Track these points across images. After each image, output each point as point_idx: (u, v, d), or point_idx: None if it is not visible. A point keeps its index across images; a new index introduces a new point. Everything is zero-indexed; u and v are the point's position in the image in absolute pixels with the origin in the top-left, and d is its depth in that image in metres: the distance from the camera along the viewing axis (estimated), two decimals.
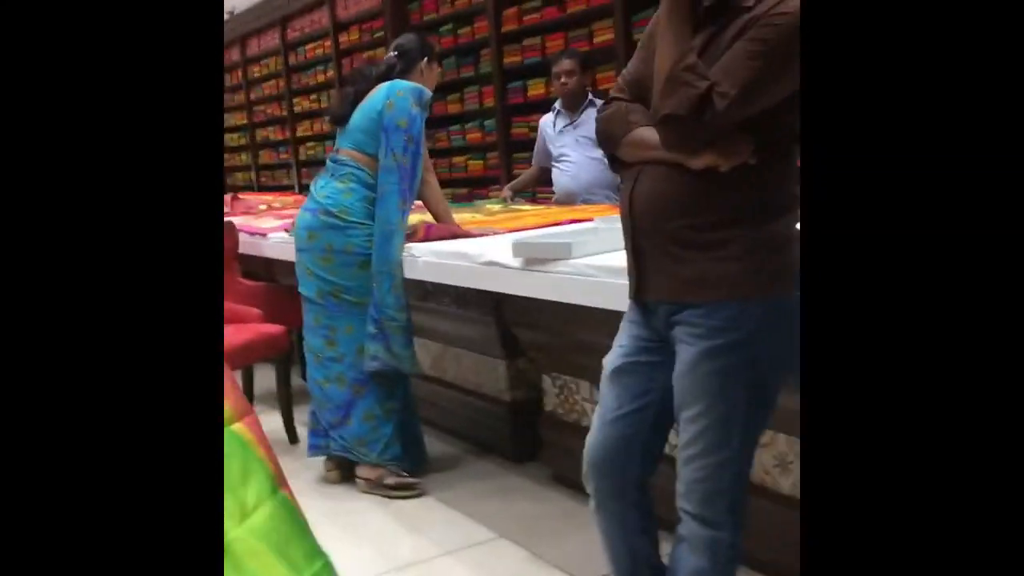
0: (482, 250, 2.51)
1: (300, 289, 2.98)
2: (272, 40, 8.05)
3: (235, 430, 1.26)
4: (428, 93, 2.93)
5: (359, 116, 2.89)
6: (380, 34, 6.17)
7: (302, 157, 7.98)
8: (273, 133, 8.45)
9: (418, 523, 2.67)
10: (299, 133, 7.95)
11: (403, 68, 2.97)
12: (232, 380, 1.57)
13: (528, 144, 4.63)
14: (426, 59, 3.00)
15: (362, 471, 2.93)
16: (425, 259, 2.73)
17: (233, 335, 3.26)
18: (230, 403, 1.46)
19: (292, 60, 7.75)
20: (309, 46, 7.41)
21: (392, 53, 3.03)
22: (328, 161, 3.00)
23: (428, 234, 2.91)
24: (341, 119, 2.98)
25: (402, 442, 2.94)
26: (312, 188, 3.02)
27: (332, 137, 3.14)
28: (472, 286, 2.61)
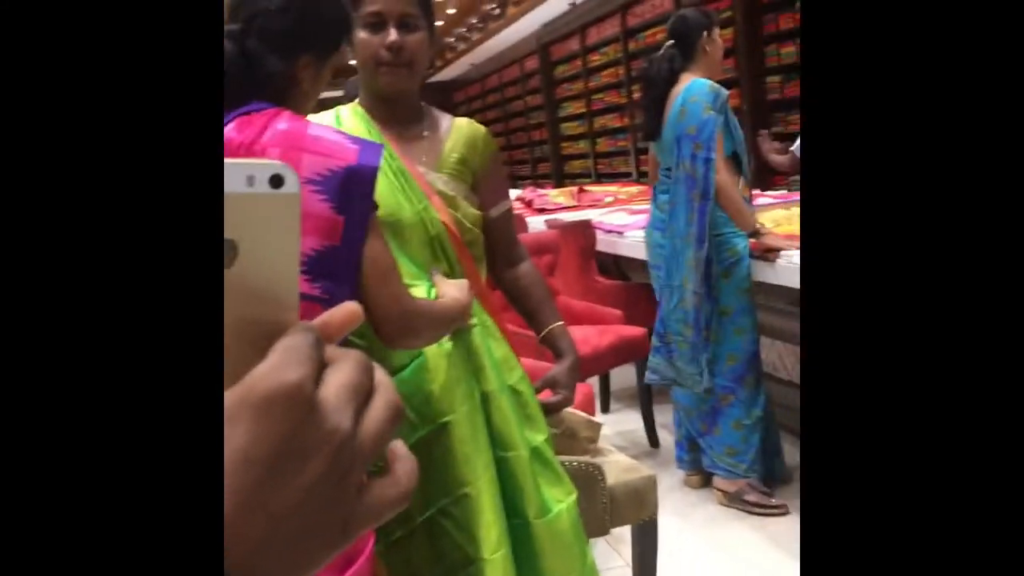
0: None
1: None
2: (612, 27, 8.10)
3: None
4: (724, 93, 2.70)
5: (667, 130, 2.77)
6: (728, 14, 5.92)
7: (640, 144, 7.99)
8: (611, 121, 8.54)
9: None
10: (637, 120, 7.95)
11: (684, 56, 2.77)
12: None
13: None
14: (706, 33, 2.75)
15: (720, 483, 2.86)
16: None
17: (598, 338, 3.28)
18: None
19: (632, 47, 7.75)
20: (649, 32, 7.35)
21: (668, 43, 2.83)
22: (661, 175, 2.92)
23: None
24: (652, 134, 2.87)
25: (763, 453, 2.83)
26: (653, 204, 2.99)
27: None
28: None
